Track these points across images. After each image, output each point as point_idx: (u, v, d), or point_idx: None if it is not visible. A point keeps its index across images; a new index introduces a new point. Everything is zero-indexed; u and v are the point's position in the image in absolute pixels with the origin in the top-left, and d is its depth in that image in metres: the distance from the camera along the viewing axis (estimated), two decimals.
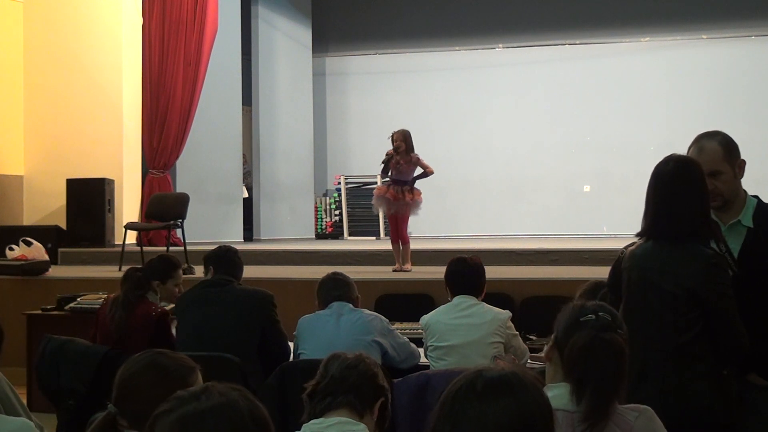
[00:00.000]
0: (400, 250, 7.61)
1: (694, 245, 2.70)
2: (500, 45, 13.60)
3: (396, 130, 7.61)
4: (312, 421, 2.37)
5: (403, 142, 7.49)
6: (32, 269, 7.29)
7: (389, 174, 7.61)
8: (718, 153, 2.90)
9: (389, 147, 7.66)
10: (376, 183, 12.74)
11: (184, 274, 5.34)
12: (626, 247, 2.86)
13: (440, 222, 12.73)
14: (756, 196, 2.97)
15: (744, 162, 2.94)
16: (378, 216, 12.85)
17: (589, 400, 2.06)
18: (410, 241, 7.74)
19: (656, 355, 2.65)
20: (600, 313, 2.16)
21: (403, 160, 7.49)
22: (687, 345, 2.65)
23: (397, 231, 7.63)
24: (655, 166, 2.82)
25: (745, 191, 2.95)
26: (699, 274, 2.65)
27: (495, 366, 1.55)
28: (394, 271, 7.52)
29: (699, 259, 2.67)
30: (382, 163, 7.60)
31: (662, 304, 2.68)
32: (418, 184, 7.66)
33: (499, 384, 1.46)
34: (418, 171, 7.69)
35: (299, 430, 2.37)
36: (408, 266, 7.54)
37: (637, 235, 2.83)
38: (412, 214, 7.67)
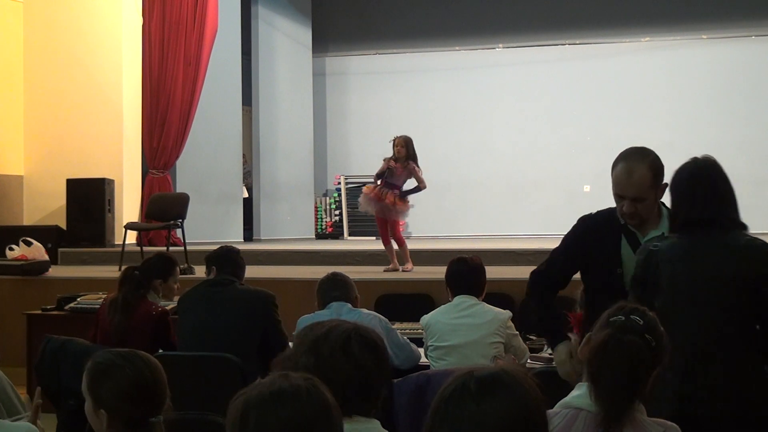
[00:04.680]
0: (394, 250, 7.60)
1: (741, 234, 2.70)
2: (500, 45, 13.59)
3: (399, 135, 7.58)
4: None
5: (404, 148, 7.48)
6: (32, 269, 7.29)
7: (384, 177, 7.61)
8: (646, 180, 2.92)
9: (389, 147, 7.65)
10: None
11: (184, 274, 5.37)
12: (654, 242, 2.80)
13: (440, 222, 12.73)
14: (663, 203, 3.01)
15: (666, 185, 2.92)
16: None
17: (602, 401, 2.06)
18: (408, 241, 7.75)
19: (714, 344, 2.60)
20: (632, 316, 2.15)
21: (399, 165, 7.49)
22: (744, 334, 2.62)
23: (389, 233, 7.61)
24: (684, 168, 2.79)
25: (660, 202, 3.00)
26: (755, 261, 2.63)
27: (484, 365, 1.56)
28: (385, 270, 7.51)
29: (754, 248, 2.66)
30: (380, 173, 7.58)
31: (718, 292, 2.64)
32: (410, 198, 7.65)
33: (492, 382, 1.47)
34: (410, 184, 7.66)
35: None
36: (409, 266, 7.54)
37: (677, 228, 2.78)
38: (397, 218, 7.65)
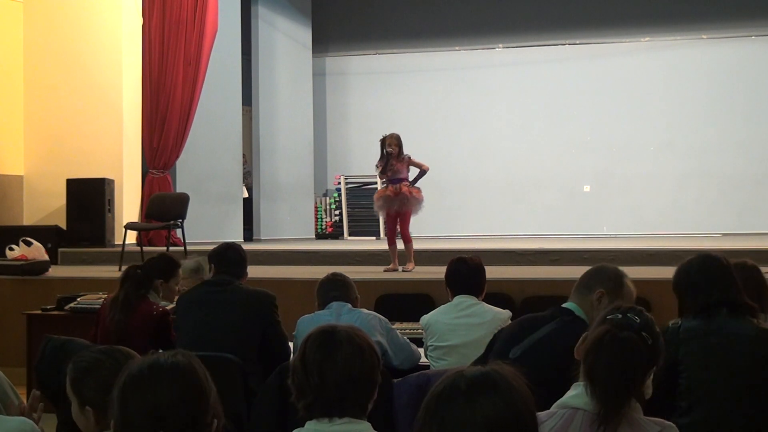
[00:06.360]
0: (397, 251, 7.62)
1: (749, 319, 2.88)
2: (500, 45, 13.59)
3: (388, 134, 7.66)
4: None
5: (396, 146, 7.55)
6: (32, 269, 7.29)
7: (387, 174, 7.64)
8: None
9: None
10: (375, 183, 12.76)
11: None
12: (671, 326, 2.89)
13: (440, 222, 12.72)
14: None
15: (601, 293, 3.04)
16: (378, 216, 12.84)
17: (598, 397, 2.06)
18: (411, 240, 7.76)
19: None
20: (628, 314, 2.15)
21: (396, 163, 7.54)
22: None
23: (396, 230, 7.64)
24: (693, 260, 3.02)
25: None
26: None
27: (472, 366, 1.56)
28: (385, 270, 7.51)
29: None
30: (380, 163, 7.61)
31: (746, 369, 2.78)
32: (419, 185, 7.70)
33: (482, 381, 1.47)
34: (413, 173, 7.70)
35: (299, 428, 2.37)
36: (410, 266, 7.54)
37: (694, 313, 2.90)
38: (415, 213, 7.68)
